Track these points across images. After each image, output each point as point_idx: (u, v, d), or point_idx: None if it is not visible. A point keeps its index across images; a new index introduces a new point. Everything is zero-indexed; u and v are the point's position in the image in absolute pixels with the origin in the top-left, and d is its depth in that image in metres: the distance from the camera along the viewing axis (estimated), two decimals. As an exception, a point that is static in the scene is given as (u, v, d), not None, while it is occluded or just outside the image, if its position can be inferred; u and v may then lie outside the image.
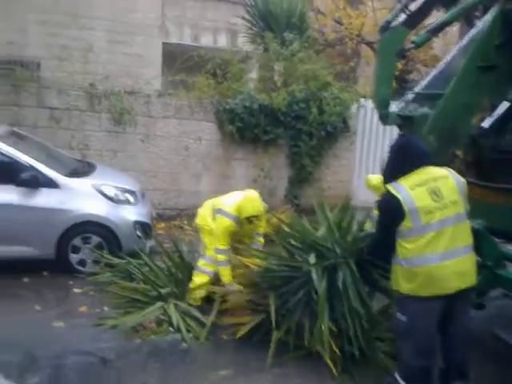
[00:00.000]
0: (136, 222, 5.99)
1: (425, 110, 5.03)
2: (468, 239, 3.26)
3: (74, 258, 5.76)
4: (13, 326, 4.40)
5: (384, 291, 4.17)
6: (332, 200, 5.40)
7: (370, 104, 9.19)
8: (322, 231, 4.51)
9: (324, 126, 8.41)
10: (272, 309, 4.11)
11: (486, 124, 4.58)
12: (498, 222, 4.19)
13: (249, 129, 8.27)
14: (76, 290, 5.40)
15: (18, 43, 10.89)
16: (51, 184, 5.62)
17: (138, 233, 5.99)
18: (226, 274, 4.67)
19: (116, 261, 5.55)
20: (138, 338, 4.36)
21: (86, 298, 5.24)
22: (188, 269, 5.15)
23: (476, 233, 3.55)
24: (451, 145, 4.64)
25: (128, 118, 7.79)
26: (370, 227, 4.28)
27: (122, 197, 6.06)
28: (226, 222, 4.65)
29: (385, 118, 5.21)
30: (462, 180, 3.36)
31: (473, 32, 5.14)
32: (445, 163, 4.19)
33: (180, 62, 8.94)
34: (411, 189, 3.21)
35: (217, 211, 4.80)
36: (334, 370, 3.90)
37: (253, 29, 9.94)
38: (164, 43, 12.44)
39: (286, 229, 4.73)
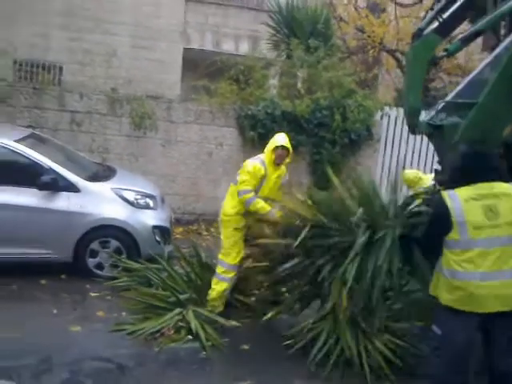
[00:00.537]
0: (155, 227, 5.93)
1: (455, 119, 4.90)
2: None
3: (91, 261, 5.70)
4: (30, 330, 4.35)
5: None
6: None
7: (393, 112, 9.07)
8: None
9: (347, 133, 8.29)
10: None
11: None
12: None
13: (270, 135, 8.10)
14: (93, 294, 5.33)
15: (40, 46, 10.98)
16: (71, 188, 5.59)
17: (157, 238, 5.92)
18: (260, 207, 4.58)
19: (134, 265, 5.47)
20: (157, 346, 4.26)
21: (103, 302, 5.17)
22: (208, 274, 5.05)
23: None
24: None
25: (149, 123, 7.76)
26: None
27: (141, 201, 6.01)
28: (254, 164, 4.66)
29: (414, 127, 5.09)
30: None
31: (508, 40, 5.00)
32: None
33: (203, 67, 8.89)
34: (465, 201, 3.11)
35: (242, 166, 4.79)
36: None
37: (277, 35, 9.88)
38: (185, 49, 12.46)
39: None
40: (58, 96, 7.65)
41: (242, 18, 12.83)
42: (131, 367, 3.93)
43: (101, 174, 6.28)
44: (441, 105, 5.16)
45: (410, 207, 4.14)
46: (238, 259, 4.78)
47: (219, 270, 4.82)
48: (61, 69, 11.14)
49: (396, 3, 12.83)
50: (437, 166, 4.64)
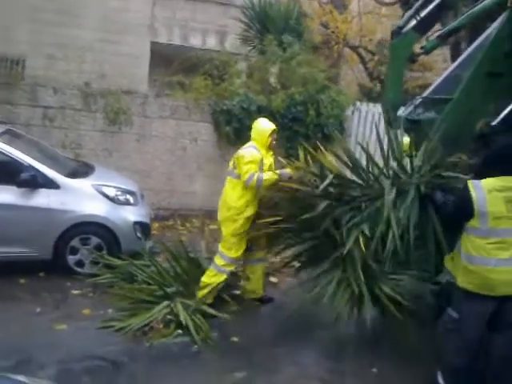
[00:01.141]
0: (136, 223, 5.90)
1: (432, 114, 5.09)
2: None
3: (71, 259, 5.63)
4: (14, 329, 4.28)
5: None
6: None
7: (364, 107, 9.26)
8: None
9: (321, 128, 8.42)
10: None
11: (495, 122, 4.63)
12: None
13: (245, 130, 8.22)
14: (75, 292, 5.27)
15: (3, 40, 10.63)
16: (51, 184, 5.50)
17: (138, 234, 5.90)
18: (270, 177, 4.70)
19: (117, 262, 5.44)
20: (147, 341, 4.27)
21: (87, 299, 5.12)
22: (194, 268, 5.10)
23: None
24: (457, 148, 4.65)
25: (124, 118, 7.68)
26: None
27: (122, 197, 5.97)
28: (251, 152, 4.75)
29: (393, 122, 5.24)
30: None
31: (481, 38, 5.21)
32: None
33: (174, 62, 8.85)
34: (489, 192, 3.29)
35: (236, 157, 4.83)
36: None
37: (249, 31, 9.91)
38: (153, 43, 12.32)
39: None
40: (30, 91, 7.47)
41: (210, 12, 12.76)
42: (125, 363, 3.93)
43: (80, 170, 6.19)
44: (418, 100, 5.34)
45: (438, 170, 4.27)
46: (240, 252, 4.88)
47: (220, 262, 4.87)
48: (24, 62, 10.82)
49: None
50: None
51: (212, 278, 4.83)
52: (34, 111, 7.65)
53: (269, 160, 4.98)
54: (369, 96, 11.72)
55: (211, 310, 4.68)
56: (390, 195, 4.04)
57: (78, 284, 5.37)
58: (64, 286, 5.36)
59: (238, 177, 4.80)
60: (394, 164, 4.37)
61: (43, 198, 5.43)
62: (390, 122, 5.29)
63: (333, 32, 13.41)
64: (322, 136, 8.48)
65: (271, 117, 8.29)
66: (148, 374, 3.85)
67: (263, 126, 4.99)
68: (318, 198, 4.29)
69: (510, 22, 4.84)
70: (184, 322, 4.44)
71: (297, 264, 4.84)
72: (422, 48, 5.27)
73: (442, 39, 5.29)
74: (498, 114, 4.85)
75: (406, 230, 3.94)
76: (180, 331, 4.42)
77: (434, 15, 5.17)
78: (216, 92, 8.40)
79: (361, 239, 4.01)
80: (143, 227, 6.00)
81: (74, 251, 5.62)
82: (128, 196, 6.04)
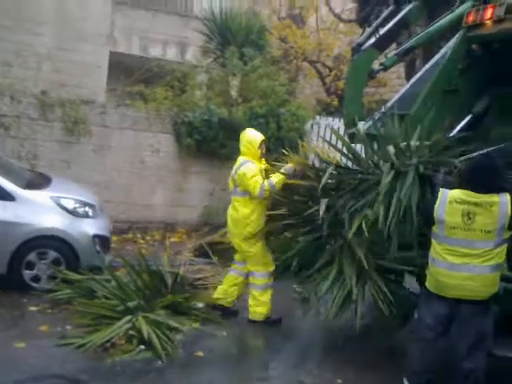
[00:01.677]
0: (95, 236, 5.78)
1: (390, 129, 5.22)
2: (490, 261, 3.42)
3: (27, 274, 5.44)
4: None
5: None
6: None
7: (323, 121, 9.43)
8: None
9: (281, 141, 8.50)
10: None
11: (451, 134, 4.87)
12: None
13: (206, 142, 8.25)
14: (32, 308, 5.09)
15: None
16: (6, 196, 5.35)
17: (98, 247, 5.77)
18: (279, 178, 4.71)
19: (76, 277, 5.30)
20: (109, 358, 4.16)
21: (45, 316, 4.95)
22: (156, 281, 5.03)
23: None
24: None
25: (82, 128, 7.53)
26: None
27: (81, 210, 5.84)
28: (252, 167, 4.78)
29: (353, 136, 5.35)
30: (509, 212, 3.43)
31: (437, 57, 5.41)
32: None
33: (135, 72, 8.76)
34: (450, 202, 3.48)
35: (235, 172, 4.90)
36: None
37: (210, 43, 9.94)
38: (111, 53, 12.16)
39: None
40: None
41: (170, 23, 12.69)
42: (86, 381, 3.81)
43: (36, 181, 6.02)
44: (378, 115, 5.49)
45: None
46: (273, 262, 4.94)
47: (260, 281, 4.91)
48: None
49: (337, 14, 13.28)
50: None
51: (260, 297, 4.90)
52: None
53: (263, 169, 5.01)
54: (327, 110, 11.91)
55: (175, 324, 4.61)
56: (387, 177, 4.12)
57: (35, 300, 5.19)
58: (20, 302, 5.19)
59: (244, 194, 4.84)
60: (391, 148, 4.46)
61: (-2, 211, 5.24)
62: (350, 136, 5.40)
63: (291, 47, 13.65)
64: (282, 149, 8.55)
65: (232, 129, 8.36)
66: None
67: (252, 137, 5.02)
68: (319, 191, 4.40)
69: (464, 41, 5.07)
70: (147, 337, 4.36)
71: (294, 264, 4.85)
72: (381, 64, 5.42)
73: (400, 56, 5.47)
74: (453, 129, 5.09)
75: (408, 211, 4.05)
76: (143, 347, 4.33)
77: (392, 33, 5.34)
78: (177, 103, 8.37)
79: (364, 224, 4.08)
80: (103, 241, 5.88)
81: (31, 266, 5.44)
82: (87, 208, 5.90)
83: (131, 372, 4.01)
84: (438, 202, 3.51)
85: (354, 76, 5.33)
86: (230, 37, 9.51)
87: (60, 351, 4.23)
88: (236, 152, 8.33)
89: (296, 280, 5.03)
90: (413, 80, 5.62)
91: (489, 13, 4.77)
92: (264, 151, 5.07)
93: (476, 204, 3.41)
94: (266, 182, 4.71)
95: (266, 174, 4.90)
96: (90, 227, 5.78)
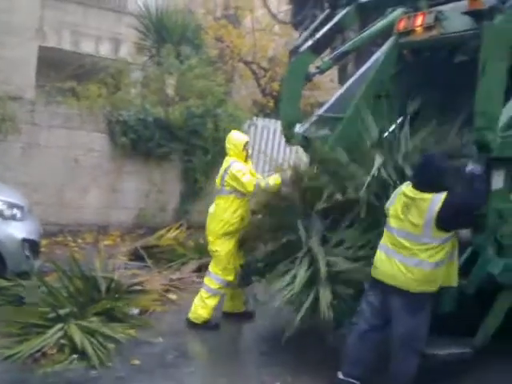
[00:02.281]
0: (24, 240, 5.49)
1: (326, 131, 5.33)
2: (410, 256, 3.58)
3: None
4: None
5: None
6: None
7: (260, 122, 9.48)
8: None
9: (219, 141, 8.47)
10: None
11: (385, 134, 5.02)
12: None
13: (142, 142, 8.08)
14: (-49, 318, 4.78)
15: None
16: None
17: (26, 252, 5.49)
18: (274, 181, 4.74)
19: (2, 283, 5.02)
20: (40, 369, 3.96)
21: (-34, 326, 4.66)
22: (89, 287, 4.86)
23: None
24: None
25: (10, 126, 7.14)
26: None
27: (8, 212, 5.52)
28: (240, 166, 4.87)
29: (290, 139, 5.41)
30: (436, 211, 3.55)
31: (371, 61, 5.55)
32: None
33: (66, 68, 8.44)
34: (399, 194, 3.74)
35: (225, 172, 4.92)
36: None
37: (145, 40, 9.74)
38: (41, 47, 11.65)
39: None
40: None
41: (103, 18, 12.37)
42: (15, 395, 3.62)
43: (-41, 182, 5.67)
44: (314, 118, 5.57)
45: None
46: (234, 275, 4.91)
47: (214, 285, 4.86)
48: None
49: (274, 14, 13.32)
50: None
51: (206, 300, 4.82)
52: None
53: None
54: (263, 112, 12.00)
55: (109, 331, 4.45)
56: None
57: (-46, 309, 4.88)
58: None
59: (231, 193, 4.87)
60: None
61: None
62: (288, 138, 5.45)
63: (228, 46, 13.63)
64: (219, 149, 8.53)
65: (168, 129, 8.24)
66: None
67: (237, 139, 5.10)
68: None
69: (396, 47, 5.24)
70: (80, 346, 4.19)
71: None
72: (317, 68, 5.50)
73: (335, 60, 5.57)
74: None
75: None
76: (76, 356, 4.14)
77: (328, 37, 5.43)
78: (111, 101, 8.13)
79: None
80: (32, 245, 5.60)
81: (-51, 272, 5.12)
82: (15, 210, 5.58)
83: (64, 383, 3.83)
84: (392, 194, 3.84)
85: (291, 78, 5.38)
86: (166, 35, 9.38)
87: (-16, 363, 3.99)
88: (171, 152, 8.37)
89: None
90: (348, 83, 5.74)
91: (419, 20, 4.96)
92: (249, 152, 5.16)
93: (412, 198, 3.62)
94: (262, 182, 4.81)
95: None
96: (18, 230, 5.48)
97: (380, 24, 5.44)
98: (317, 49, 5.31)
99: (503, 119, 3.80)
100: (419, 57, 5.26)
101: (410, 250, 3.58)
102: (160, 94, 8.44)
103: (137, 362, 4.22)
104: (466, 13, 4.44)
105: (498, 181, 3.86)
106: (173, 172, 8.66)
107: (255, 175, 5.12)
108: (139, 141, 8.05)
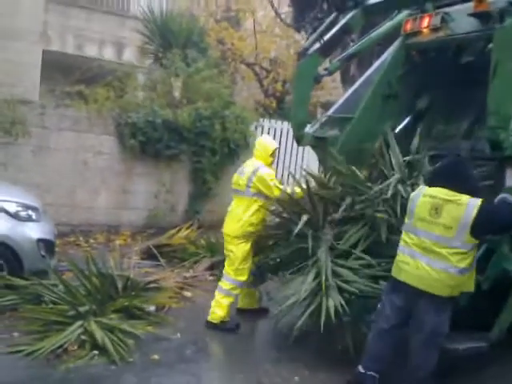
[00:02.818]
0: (40, 240, 5.58)
1: (335, 132, 5.44)
2: (441, 259, 3.56)
3: (-36, 281, 5.20)
4: None
5: None
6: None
7: (266, 123, 9.60)
8: None
9: (227, 142, 8.61)
10: None
11: (396, 130, 5.27)
12: None
13: (151, 143, 8.19)
14: (-28, 316, 4.88)
15: None
16: None
17: (42, 252, 5.59)
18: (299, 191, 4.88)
19: (21, 282, 5.12)
20: (62, 364, 4.06)
21: (-13, 323, 4.76)
22: (106, 285, 4.96)
23: None
24: (358, 164, 5.02)
25: (20, 129, 7.25)
26: None
27: (23, 213, 5.60)
28: (269, 171, 4.98)
29: (300, 139, 5.52)
30: (473, 217, 3.53)
31: (378, 62, 5.67)
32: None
33: (80, 72, 8.54)
34: (424, 196, 3.70)
35: (253, 174, 4.95)
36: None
37: (150, 43, 9.85)
38: (45, 51, 11.75)
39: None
40: None
41: (106, 23, 12.43)
42: (41, 390, 3.72)
43: (-25, 184, 5.77)
44: (324, 118, 5.68)
45: None
46: (248, 275, 4.93)
47: (227, 286, 4.91)
48: None
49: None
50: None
51: (221, 300, 4.89)
52: None
53: None
54: (267, 113, 12.12)
55: (129, 328, 4.56)
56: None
57: (-26, 308, 4.97)
58: (-42, 310, 4.94)
59: (254, 195, 4.92)
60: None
61: None
62: (298, 139, 5.56)
63: (229, 49, 13.76)
64: (227, 150, 8.67)
65: (177, 131, 8.36)
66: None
67: (267, 144, 5.21)
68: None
69: (403, 48, 5.36)
70: (101, 342, 4.30)
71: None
72: (325, 70, 5.60)
73: (344, 62, 5.68)
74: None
75: None
76: (96, 352, 4.25)
77: (336, 39, 5.53)
78: (119, 104, 8.24)
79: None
80: (47, 245, 5.68)
81: (-31, 273, 5.20)
82: (30, 212, 5.66)
83: (86, 378, 3.93)
84: (413, 195, 3.81)
85: (300, 80, 5.47)
86: (172, 38, 9.48)
87: (8, 359, 4.06)
88: (180, 153, 8.48)
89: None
90: (356, 84, 5.84)
91: (425, 22, 5.08)
92: (275, 159, 5.32)
93: (446, 200, 3.58)
94: (288, 189, 4.91)
95: None
96: (34, 231, 5.57)
97: (387, 25, 5.55)
98: (325, 51, 5.40)
99: None
100: (426, 57, 5.38)
101: (439, 253, 3.55)
102: (167, 96, 8.55)
103: (156, 357, 4.32)
104: (472, 14, 4.57)
105: (511, 179, 3.97)
106: (182, 173, 8.76)
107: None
108: (148, 143, 8.16)
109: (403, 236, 3.77)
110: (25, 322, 4.60)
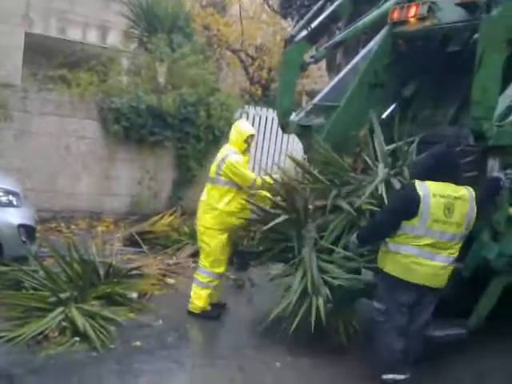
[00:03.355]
0: (20, 226, 5.50)
1: (321, 120, 5.42)
2: (452, 254, 3.65)
3: None
4: None
5: None
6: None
7: (252, 111, 9.54)
8: None
9: (211, 129, 8.54)
10: None
11: (384, 115, 5.31)
12: None
13: (134, 129, 8.09)
14: (-51, 303, 4.80)
15: None
16: None
17: (23, 237, 5.52)
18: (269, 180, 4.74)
19: (2, 268, 5.05)
20: (42, 351, 4.03)
21: (-35, 310, 4.69)
22: (88, 271, 4.91)
23: None
24: (343, 153, 5.02)
25: (2, 113, 7.11)
26: None
27: (4, 199, 5.52)
28: (238, 158, 4.74)
29: (286, 127, 5.49)
30: (474, 209, 3.64)
31: (365, 51, 5.65)
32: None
33: (63, 56, 8.39)
34: (434, 196, 3.55)
35: (222, 161, 4.77)
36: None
37: (135, 27, 9.71)
38: (27, 34, 11.52)
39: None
40: None
41: (90, 5, 12.17)
42: (20, 376, 3.67)
43: (-46, 169, 5.65)
44: (309, 107, 5.66)
45: None
46: (225, 267, 4.84)
47: (204, 279, 4.79)
48: None
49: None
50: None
51: (199, 292, 4.80)
52: None
53: (246, 160, 4.99)
54: (252, 100, 12.06)
55: (110, 314, 4.54)
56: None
57: (-48, 294, 4.90)
58: None
59: (226, 183, 4.74)
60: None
61: None
62: (284, 126, 5.52)
63: (215, 35, 13.62)
64: (212, 137, 8.61)
65: (161, 117, 8.27)
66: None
67: (243, 129, 4.96)
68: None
69: (390, 37, 5.35)
70: (82, 328, 4.27)
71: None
72: (312, 57, 5.57)
73: (330, 50, 5.65)
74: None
75: None
76: (77, 338, 4.22)
77: (323, 26, 5.48)
78: (102, 89, 8.12)
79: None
80: (28, 230, 5.60)
81: None
82: (11, 197, 5.57)
83: (67, 364, 3.89)
84: (421, 195, 3.54)
85: (286, 68, 5.41)
86: (157, 23, 9.34)
87: (-12, 346, 4.04)
88: (164, 140, 8.41)
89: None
90: (342, 73, 5.82)
91: (412, 11, 5.07)
92: (250, 146, 5.05)
93: (455, 197, 3.57)
94: (259, 179, 4.75)
95: None
96: (15, 217, 5.49)
97: (373, 14, 5.53)
98: (312, 38, 5.35)
99: (499, 109, 3.91)
100: (413, 46, 5.38)
101: (450, 248, 3.62)
102: (152, 81, 8.44)
103: (138, 343, 4.31)
104: (459, 4, 4.58)
105: (493, 169, 4.00)
106: (166, 159, 8.68)
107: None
108: (132, 128, 8.06)
109: (404, 238, 3.63)
110: (5, 308, 4.54)
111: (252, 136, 5.01)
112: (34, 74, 8.77)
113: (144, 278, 5.37)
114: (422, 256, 3.59)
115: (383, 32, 5.42)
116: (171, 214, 7.42)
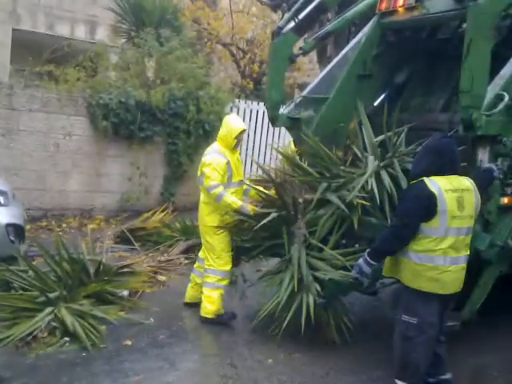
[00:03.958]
0: (8, 225, 5.43)
1: (310, 112, 5.37)
2: (468, 250, 3.45)
3: None
4: None
5: None
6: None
7: (242, 104, 9.47)
8: None
9: (201, 124, 8.47)
10: None
11: (376, 103, 5.32)
12: None
13: (124, 125, 8.01)
14: None
15: None
16: None
17: (11, 237, 5.45)
18: (231, 202, 4.49)
19: (-12, 269, 4.99)
20: (31, 352, 3.98)
21: (-45, 312, 4.62)
22: (77, 270, 4.85)
23: None
24: (333, 145, 4.97)
25: (-13, 110, 7.03)
26: None
27: (-9, 197, 5.47)
28: (214, 158, 4.55)
29: (275, 120, 5.43)
30: (479, 197, 3.52)
31: (353, 42, 5.59)
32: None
33: (50, 52, 8.28)
34: (446, 191, 3.31)
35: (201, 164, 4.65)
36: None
37: (123, 22, 9.60)
38: (15, 30, 11.39)
39: None
40: None
41: (77, 0, 12.11)
42: (9, 379, 3.61)
43: None
44: (298, 99, 5.60)
45: None
46: (230, 263, 4.70)
47: (212, 279, 4.65)
48: None
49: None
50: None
51: (210, 294, 4.65)
52: None
53: (235, 161, 4.77)
54: (243, 93, 11.98)
55: (100, 313, 4.49)
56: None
57: None
58: None
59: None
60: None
61: None
62: (273, 119, 5.47)
63: (205, 29, 13.53)
64: (202, 132, 8.54)
65: (150, 112, 8.20)
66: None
67: (233, 124, 4.73)
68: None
69: (378, 27, 5.29)
70: (71, 328, 4.22)
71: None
72: (300, 49, 5.51)
73: (319, 41, 5.59)
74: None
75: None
76: (67, 338, 4.18)
77: (311, 18, 5.41)
78: (90, 85, 8.02)
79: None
80: (17, 229, 5.53)
81: None
82: (-1, 196, 5.55)
83: (57, 365, 3.85)
84: (433, 191, 3.29)
85: (274, 60, 5.35)
86: (145, 17, 9.24)
87: (-24, 348, 3.99)
88: (154, 135, 8.34)
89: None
90: (331, 64, 5.77)
91: (401, 0, 5.01)
92: (240, 141, 4.84)
93: (463, 189, 3.38)
94: (220, 189, 4.49)
95: (238, 170, 4.82)
96: (3, 216, 5.41)
97: (362, 4, 5.47)
98: (299, 30, 5.29)
99: (488, 98, 3.87)
100: (401, 36, 5.33)
101: (466, 246, 3.43)
102: (140, 76, 8.35)
103: (129, 342, 4.27)
104: (447, -7, 4.52)
105: (483, 158, 3.96)
106: (156, 155, 8.63)
107: (240, 165, 4.97)
108: (121, 124, 7.98)
109: (427, 243, 3.34)
110: (-7, 310, 4.48)
111: (243, 131, 4.82)
112: (21, 70, 8.67)
113: (135, 276, 5.31)
114: (447, 263, 3.33)
115: (371, 23, 5.36)
116: (163, 211, 7.35)
